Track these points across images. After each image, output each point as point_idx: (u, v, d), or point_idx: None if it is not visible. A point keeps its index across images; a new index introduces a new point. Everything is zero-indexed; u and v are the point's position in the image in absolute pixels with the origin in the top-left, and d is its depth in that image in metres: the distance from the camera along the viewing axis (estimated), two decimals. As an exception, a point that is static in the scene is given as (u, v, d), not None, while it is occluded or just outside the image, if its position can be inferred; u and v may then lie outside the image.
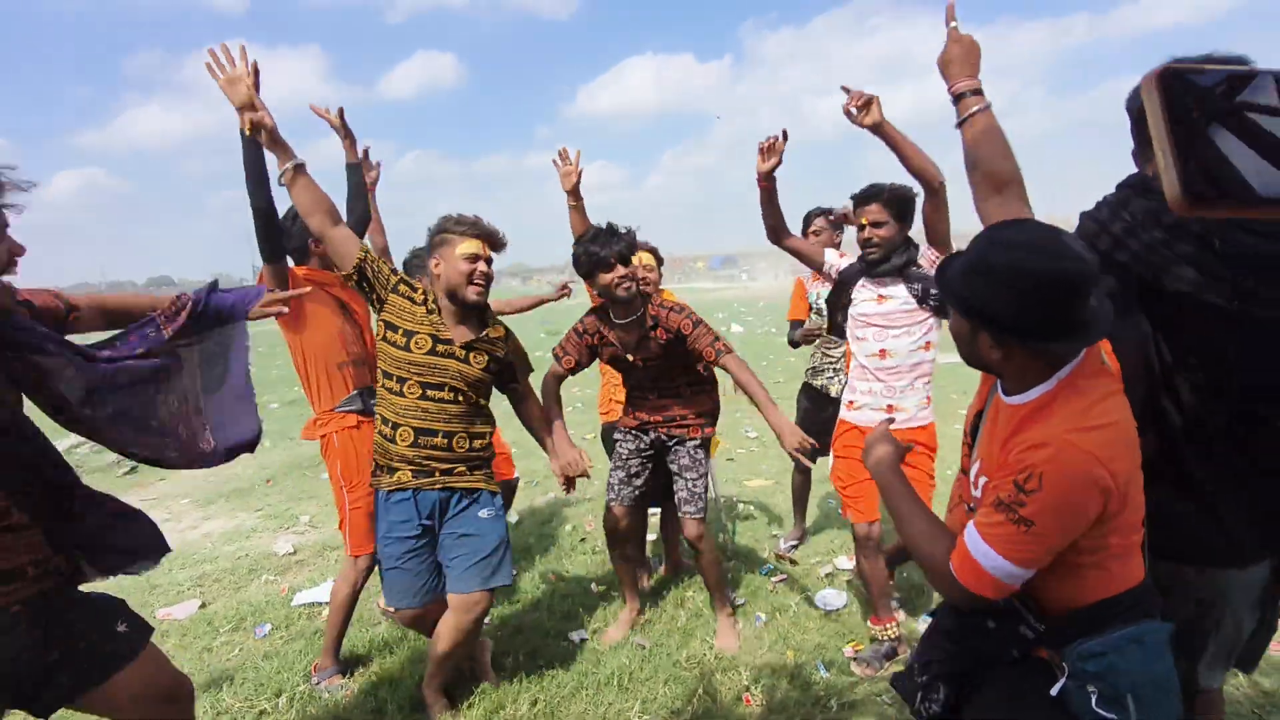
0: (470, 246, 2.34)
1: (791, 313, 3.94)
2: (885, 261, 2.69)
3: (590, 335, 2.91)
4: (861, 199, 2.72)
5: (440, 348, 2.37)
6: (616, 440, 3.11)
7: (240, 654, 3.08)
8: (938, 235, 2.55)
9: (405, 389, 2.36)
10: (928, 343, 2.72)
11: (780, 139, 2.61)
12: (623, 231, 2.73)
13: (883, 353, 2.75)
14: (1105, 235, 1.44)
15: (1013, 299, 1.22)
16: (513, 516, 4.61)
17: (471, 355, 2.40)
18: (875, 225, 2.67)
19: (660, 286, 3.53)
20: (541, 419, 2.68)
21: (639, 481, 3.05)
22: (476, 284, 2.35)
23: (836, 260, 2.89)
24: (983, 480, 1.32)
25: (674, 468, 2.98)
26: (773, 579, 3.59)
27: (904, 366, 2.73)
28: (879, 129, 2.36)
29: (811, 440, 2.53)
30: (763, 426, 6.23)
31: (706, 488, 2.98)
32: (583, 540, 4.30)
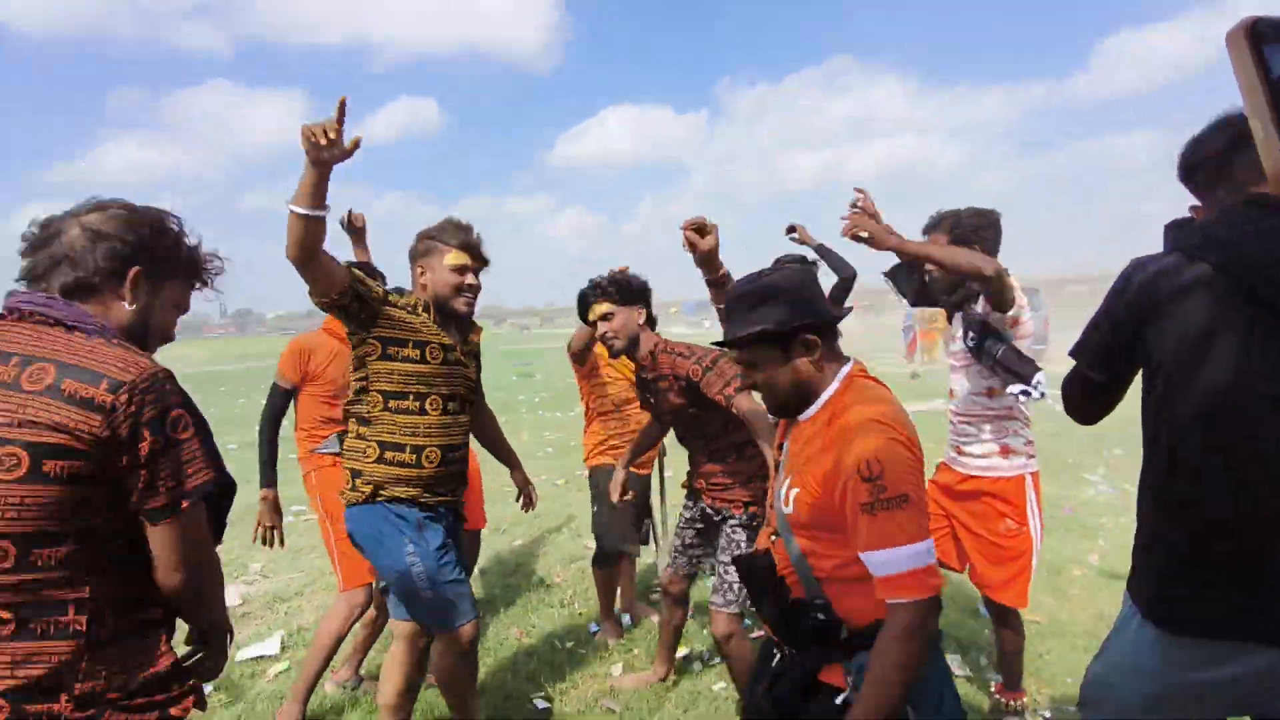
0: (458, 259, 2.25)
1: None
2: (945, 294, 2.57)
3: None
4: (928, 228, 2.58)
5: (450, 355, 2.25)
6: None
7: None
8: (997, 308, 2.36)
9: (427, 405, 2.19)
10: (990, 389, 2.47)
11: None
12: (604, 282, 2.61)
13: (951, 392, 2.62)
14: (1213, 243, 1.28)
15: (805, 291, 1.47)
16: (477, 565, 4.39)
17: (470, 361, 2.35)
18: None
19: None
20: (499, 432, 2.70)
21: (695, 553, 2.77)
22: (465, 296, 2.26)
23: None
24: (794, 492, 1.42)
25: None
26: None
27: (967, 409, 2.53)
28: (903, 250, 2.21)
29: None
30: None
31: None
32: (549, 590, 4.10)
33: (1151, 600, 1.37)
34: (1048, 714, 2.69)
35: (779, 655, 1.52)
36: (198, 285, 1.41)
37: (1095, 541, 4.64)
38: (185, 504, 1.20)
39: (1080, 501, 5.59)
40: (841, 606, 1.39)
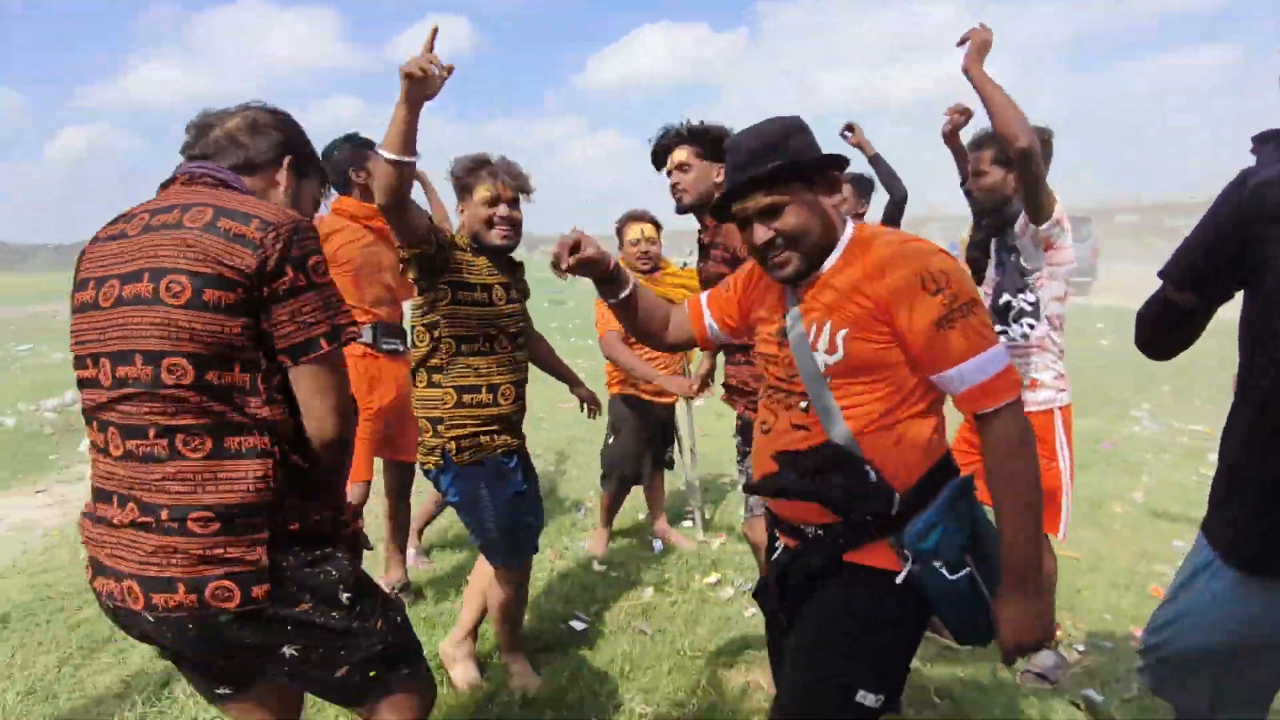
0: (487, 190, 2.18)
1: None
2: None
3: None
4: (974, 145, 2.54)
5: (511, 294, 2.25)
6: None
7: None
8: (1030, 212, 2.22)
9: (497, 345, 2.21)
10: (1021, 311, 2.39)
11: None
12: (684, 128, 2.36)
13: None
14: None
15: (808, 135, 1.37)
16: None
17: (522, 298, 2.35)
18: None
19: (662, 257, 3.44)
20: (552, 353, 2.67)
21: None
22: (500, 228, 2.20)
23: None
24: (843, 333, 1.31)
25: None
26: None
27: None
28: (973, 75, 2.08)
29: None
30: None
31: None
32: (582, 514, 4.15)
33: (1236, 541, 1.29)
34: (1082, 648, 2.67)
35: (787, 544, 1.47)
36: (325, 188, 1.55)
37: (1139, 478, 4.53)
38: (327, 345, 1.25)
39: (1124, 437, 5.45)
40: (885, 472, 1.32)
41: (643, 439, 3.47)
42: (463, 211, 2.25)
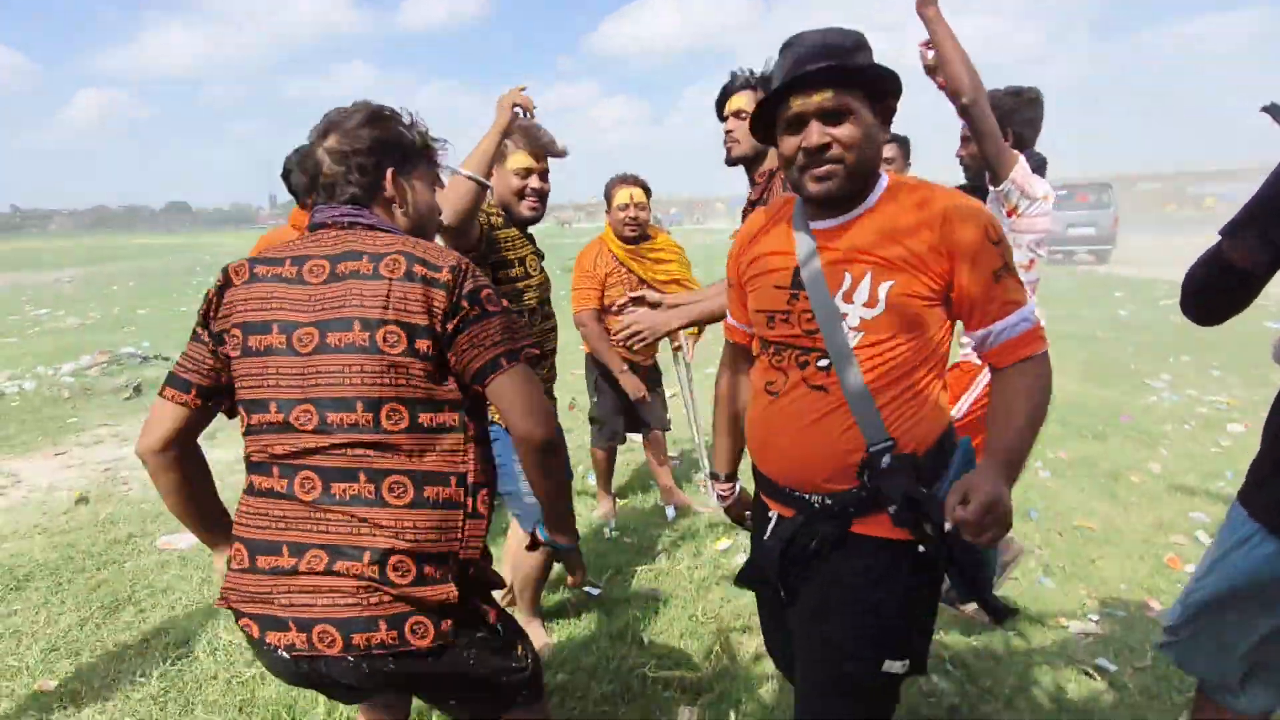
0: (521, 160, 2.14)
1: None
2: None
3: None
4: None
5: (540, 264, 2.29)
6: None
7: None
8: (989, 171, 2.19)
9: (531, 315, 2.23)
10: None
11: None
12: (752, 76, 2.26)
13: None
14: None
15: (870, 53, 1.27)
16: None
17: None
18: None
19: (651, 223, 3.43)
20: None
21: None
22: (529, 200, 2.18)
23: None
24: (888, 285, 1.24)
25: None
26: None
27: None
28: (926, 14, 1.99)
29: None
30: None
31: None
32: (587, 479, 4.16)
33: None
34: (1095, 618, 2.66)
35: (782, 513, 1.41)
36: (438, 162, 1.49)
37: (1156, 450, 4.48)
38: (508, 363, 1.29)
39: (1142, 408, 5.39)
40: (904, 440, 1.27)
41: (624, 396, 3.48)
42: (492, 179, 2.17)
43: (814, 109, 1.23)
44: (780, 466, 1.37)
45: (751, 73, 2.19)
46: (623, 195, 3.30)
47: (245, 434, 1.30)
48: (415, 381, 1.24)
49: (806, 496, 1.33)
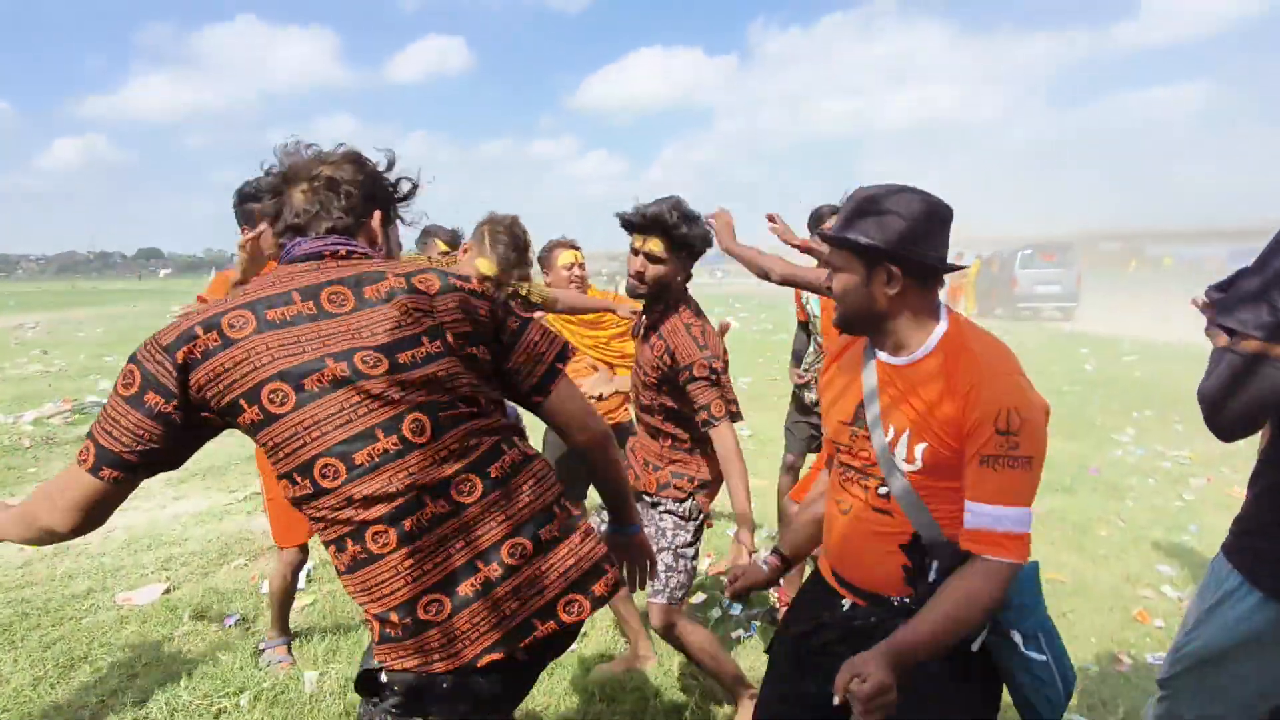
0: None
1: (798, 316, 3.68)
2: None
3: None
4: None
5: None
6: None
7: (203, 645, 2.89)
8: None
9: None
10: None
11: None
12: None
13: None
14: None
15: (920, 227, 1.29)
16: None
17: None
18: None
19: (588, 282, 3.41)
20: None
21: None
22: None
23: None
24: (921, 447, 1.29)
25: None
26: (773, 591, 3.43)
27: None
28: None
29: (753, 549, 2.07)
30: (757, 425, 6.07)
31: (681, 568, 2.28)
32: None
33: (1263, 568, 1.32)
34: (1069, 672, 2.68)
35: (856, 602, 1.42)
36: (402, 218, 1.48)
37: (1123, 502, 4.58)
38: (562, 365, 1.36)
39: (1108, 462, 5.51)
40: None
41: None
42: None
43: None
44: (859, 575, 1.43)
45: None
46: (567, 257, 3.26)
47: (344, 484, 1.16)
48: (482, 388, 1.28)
49: (889, 598, 1.37)
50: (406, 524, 1.16)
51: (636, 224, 2.17)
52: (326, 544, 1.21)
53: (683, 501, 2.25)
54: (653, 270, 2.17)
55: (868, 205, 1.32)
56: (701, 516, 2.29)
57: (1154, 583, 3.42)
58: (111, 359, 12.07)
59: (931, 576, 1.30)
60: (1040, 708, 1.30)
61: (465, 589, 1.18)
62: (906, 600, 1.34)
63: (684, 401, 2.16)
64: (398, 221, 1.46)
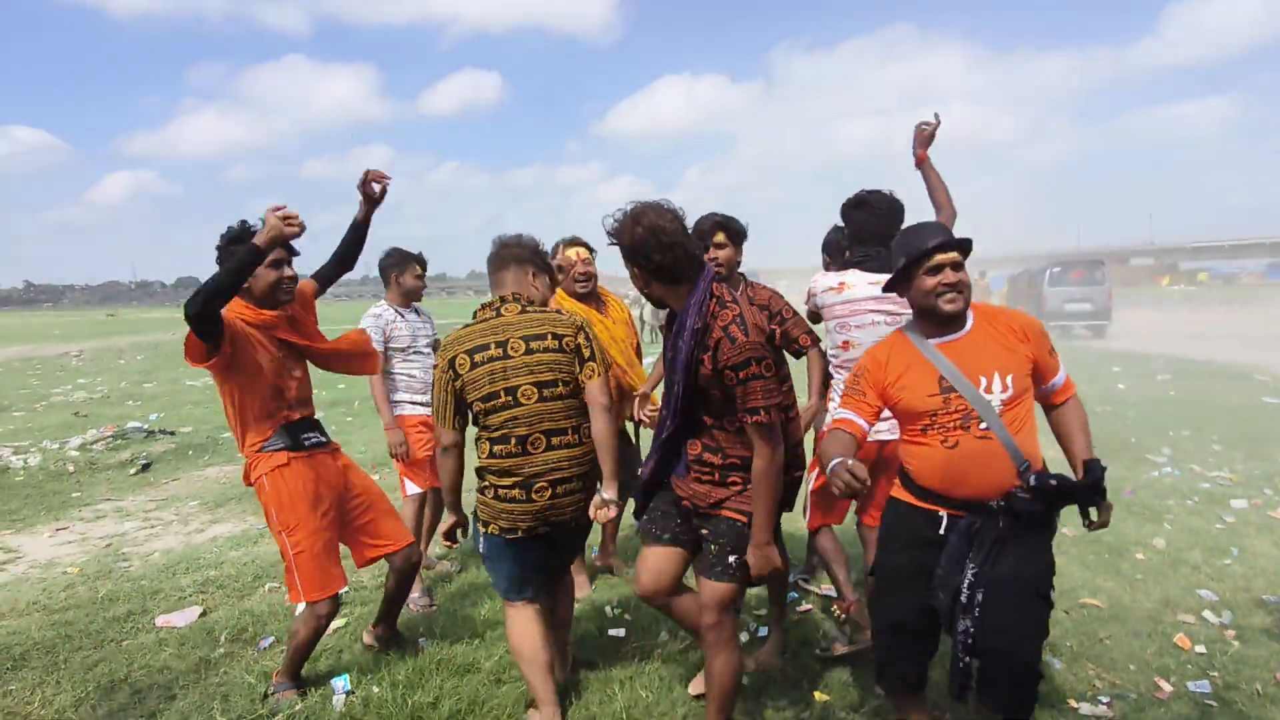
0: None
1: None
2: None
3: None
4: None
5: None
6: None
7: (239, 667, 2.95)
8: None
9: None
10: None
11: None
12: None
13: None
14: None
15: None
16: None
17: None
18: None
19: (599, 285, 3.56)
20: None
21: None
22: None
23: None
24: (1010, 376, 2.01)
25: None
26: (797, 609, 3.41)
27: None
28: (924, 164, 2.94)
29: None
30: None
31: None
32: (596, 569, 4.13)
33: None
34: (1106, 700, 2.61)
35: (953, 515, 2.05)
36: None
37: (1160, 525, 4.46)
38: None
39: (1143, 483, 5.38)
40: (1034, 461, 2.02)
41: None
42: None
43: (950, 260, 2.05)
44: (966, 490, 2.02)
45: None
46: (573, 253, 3.43)
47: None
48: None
49: (989, 502, 2.00)
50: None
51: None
52: None
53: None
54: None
55: (948, 225, 2.09)
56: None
57: (1194, 608, 3.32)
58: (150, 386, 12.39)
59: (1020, 482, 1.97)
60: None
61: None
62: (1002, 502, 1.96)
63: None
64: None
